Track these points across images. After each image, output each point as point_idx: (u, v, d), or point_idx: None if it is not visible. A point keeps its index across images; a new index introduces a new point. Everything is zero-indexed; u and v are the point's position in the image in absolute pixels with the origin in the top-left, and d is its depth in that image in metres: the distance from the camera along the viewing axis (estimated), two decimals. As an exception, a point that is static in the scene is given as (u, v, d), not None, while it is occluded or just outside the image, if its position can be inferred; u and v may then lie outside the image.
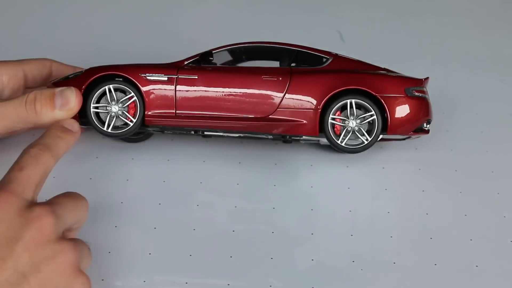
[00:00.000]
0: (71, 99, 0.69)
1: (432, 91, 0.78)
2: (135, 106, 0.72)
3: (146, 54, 0.95)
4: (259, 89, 0.73)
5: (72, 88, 0.70)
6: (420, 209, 0.74)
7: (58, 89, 0.70)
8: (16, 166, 0.59)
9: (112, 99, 0.72)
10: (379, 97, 0.72)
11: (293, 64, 0.78)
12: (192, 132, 0.74)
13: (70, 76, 0.74)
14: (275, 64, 0.78)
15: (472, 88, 0.93)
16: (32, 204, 0.57)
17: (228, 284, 0.65)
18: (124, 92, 0.72)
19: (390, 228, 0.72)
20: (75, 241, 0.58)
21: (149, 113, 0.72)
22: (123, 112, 0.72)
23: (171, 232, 0.70)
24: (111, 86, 0.72)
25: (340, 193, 0.76)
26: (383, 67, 0.77)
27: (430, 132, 0.76)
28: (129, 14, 1.06)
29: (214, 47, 0.78)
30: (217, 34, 1.03)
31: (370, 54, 1.01)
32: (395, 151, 0.80)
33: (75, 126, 0.68)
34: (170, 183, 0.75)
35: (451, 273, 0.67)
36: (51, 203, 0.58)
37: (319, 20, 1.08)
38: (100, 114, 0.72)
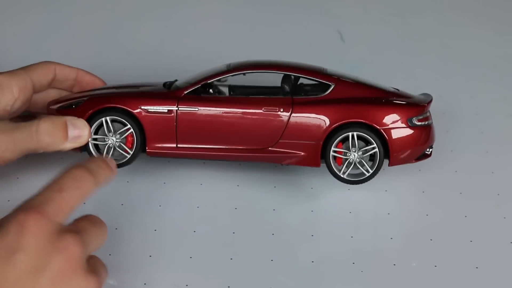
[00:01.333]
0: (85, 133, 0.69)
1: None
2: (133, 137, 0.72)
3: (146, 59, 0.95)
4: (260, 121, 0.72)
5: (83, 120, 0.70)
6: (421, 210, 0.74)
7: (69, 119, 0.68)
8: (55, 185, 0.54)
9: (109, 130, 0.72)
10: (381, 130, 0.71)
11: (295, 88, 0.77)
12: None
13: (73, 105, 0.73)
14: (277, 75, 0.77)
15: (472, 89, 0.93)
16: (62, 230, 0.53)
17: (229, 286, 0.65)
18: (123, 123, 0.72)
19: (391, 229, 0.72)
20: (98, 274, 0.55)
21: (151, 145, 0.72)
22: (120, 144, 0.72)
23: (172, 234, 0.70)
24: (108, 118, 0.72)
25: (340, 195, 0.76)
26: (387, 88, 0.76)
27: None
28: (130, 17, 1.07)
29: (212, 72, 0.75)
30: (217, 34, 1.04)
31: (370, 54, 1.01)
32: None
33: (114, 165, 0.63)
34: (171, 185, 0.76)
35: (451, 275, 0.67)
36: (80, 230, 0.55)
37: (319, 20, 1.08)
38: (99, 145, 0.72)
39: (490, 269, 0.68)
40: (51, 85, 0.77)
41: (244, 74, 0.75)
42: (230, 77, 0.77)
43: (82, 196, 0.56)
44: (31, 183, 0.74)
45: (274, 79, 0.77)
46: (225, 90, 0.79)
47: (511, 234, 0.72)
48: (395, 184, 0.77)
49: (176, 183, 0.76)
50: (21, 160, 0.77)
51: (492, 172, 0.80)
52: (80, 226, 0.55)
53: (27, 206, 0.53)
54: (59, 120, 0.68)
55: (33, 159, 0.77)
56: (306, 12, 1.09)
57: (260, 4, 1.10)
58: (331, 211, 0.74)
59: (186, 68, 0.92)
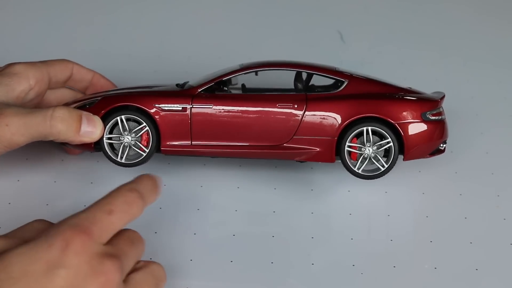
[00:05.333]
0: (98, 129, 0.70)
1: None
2: (148, 135, 0.72)
3: (146, 62, 0.95)
4: (275, 118, 0.72)
5: (98, 117, 0.70)
6: (420, 212, 0.74)
7: (84, 113, 0.69)
8: (106, 206, 0.55)
9: (124, 129, 0.72)
10: (396, 124, 0.72)
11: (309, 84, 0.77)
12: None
13: (86, 105, 0.73)
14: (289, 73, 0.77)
15: (472, 89, 0.93)
16: (103, 253, 0.53)
17: (229, 289, 0.66)
18: (138, 121, 0.73)
19: (391, 231, 0.72)
20: None
21: (165, 143, 0.73)
22: (135, 143, 0.72)
23: (172, 236, 0.70)
24: (123, 116, 0.72)
25: (340, 196, 0.76)
26: (398, 85, 0.76)
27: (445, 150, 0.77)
28: (130, 20, 1.07)
29: (226, 71, 0.76)
30: (216, 35, 1.04)
31: (370, 54, 1.01)
32: (395, 154, 0.80)
33: (161, 185, 0.62)
34: (171, 187, 0.76)
35: (451, 277, 0.67)
36: (120, 254, 0.54)
37: (319, 20, 1.08)
38: (113, 144, 0.73)
39: (490, 270, 0.68)
40: (66, 83, 0.78)
41: (256, 73, 0.76)
42: (243, 79, 0.78)
43: (129, 220, 0.56)
44: (32, 186, 0.74)
45: (286, 82, 0.77)
46: (239, 91, 0.79)
47: (511, 236, 0.72)
48: (395, 185, 0.77)
49: (176, 185, 0.76)
50: (22, 162, 0.77)
51: (492, 173, 0.80)
52: (120, 248, 0.55)
53: (75, 224, 0.53)
54: (75, 111, 0.69)
55: (34, 161, 0.78)
56: (306, 12, 1.09)
57: (259, 4, 1.10)
58: (331, 213, 0.74)
59: (186, 70, 0.93)
